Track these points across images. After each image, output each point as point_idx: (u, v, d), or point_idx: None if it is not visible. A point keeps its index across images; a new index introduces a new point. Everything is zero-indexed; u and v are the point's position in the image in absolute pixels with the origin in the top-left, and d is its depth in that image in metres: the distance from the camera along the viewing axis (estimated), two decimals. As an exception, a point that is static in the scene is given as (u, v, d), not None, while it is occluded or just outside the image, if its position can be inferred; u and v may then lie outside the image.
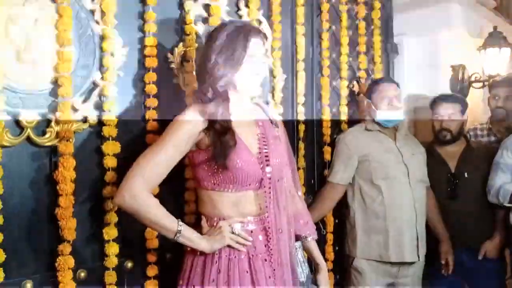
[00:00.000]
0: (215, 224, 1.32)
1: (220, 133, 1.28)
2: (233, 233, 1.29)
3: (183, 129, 1.28)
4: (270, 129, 1.43)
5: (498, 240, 2.15)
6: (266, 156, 1.34)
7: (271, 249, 1.31)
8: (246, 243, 1.29)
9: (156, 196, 1.46)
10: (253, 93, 1.39)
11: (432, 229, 2.16)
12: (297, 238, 1.50)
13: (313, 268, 1.55)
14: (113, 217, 1.44)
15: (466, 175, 2.20)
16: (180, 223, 1.27)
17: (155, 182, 1.29)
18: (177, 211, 1.57)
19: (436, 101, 2.32)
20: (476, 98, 3.14)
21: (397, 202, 2.01)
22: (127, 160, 1.43)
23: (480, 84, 3.00)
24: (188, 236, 1.27)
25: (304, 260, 1.51)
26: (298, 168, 2.07)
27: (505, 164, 2.10)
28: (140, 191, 1.23)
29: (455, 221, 2.17)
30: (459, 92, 2.83)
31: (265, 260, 1.31)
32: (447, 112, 2.25)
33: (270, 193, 1.33)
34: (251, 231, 1.32)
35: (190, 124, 1.29)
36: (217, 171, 1.29)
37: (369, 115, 2.17)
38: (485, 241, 2.15)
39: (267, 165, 1.33)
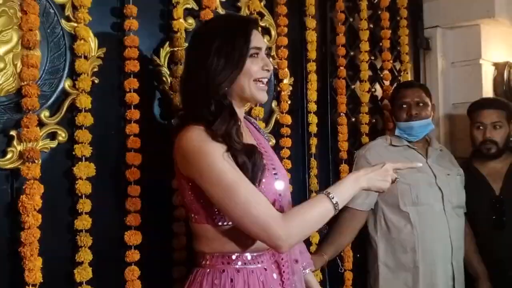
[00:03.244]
0: (220, 260, 1.36)
1: (248, 155, 1.30)
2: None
3: (217, 151, 1.27)
4: (265, 141, 1.50)
5: None
6: (273, 168, 1.41)
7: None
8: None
9: (138, 228, 1.52)
10: (261, 98, 1.41)
11: (466, 263, 2.21)
12: None
13: None
14: (87, 255, 1.46)
15: None
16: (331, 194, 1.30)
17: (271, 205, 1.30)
18: (164, 246, 1.64)
19: (476, 107, 2.37)
20: (525, 102, 3.17)
21: (429, 233, 2.06)
22: (103, 185, 1.49)
23: (530, 86, 3.04)
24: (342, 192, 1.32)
25: None
26: (311, 191, 2.14)
27: None
28: (281, 221, 1.24)
29: (503, 256, 2.21)
30: (504, 95, 2.86)
31: None
32: (491, 120, 2.30)
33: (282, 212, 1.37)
34: (265, 269, 1.37)
35: (217, 144, 1.28)
36: None
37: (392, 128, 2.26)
38: None
39: (276, 179, 1.39)
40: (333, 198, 1.29)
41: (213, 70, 1.31)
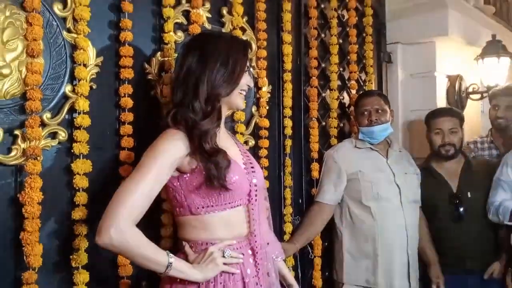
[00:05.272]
0: (202, 249, 1.37)
1: (210, 155, 1.31)
2: (224, 256, 1.35)
3: (165, 155, 1.29)
4: (240, 144, 1.54)
5: (505, 261, 2.28)
6: (251, 166, 1.44)
7: (259, 270, 1.40)
8: (239, 261, 1.36)
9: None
10: (242, 106, 1.48)
11: (420, 251, 2.26)
12: None
13: None
14: (82, 243, 1.47)
15: (469, 194, 2.31)
16: (170, 254, 1.29)
17: (139, 214, 1.28)
18: (153, 236, 1.62)
19: (434, 115, 2.43)
20: (474, 110, 3.25)
21: (387, 225, 2.11)
22: (99, 180, 1.50)
23: (478, 96, 3.11)
24: (180, 268, 1.30)
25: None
26: (285, 187, 2.16)
27: (505, 181, 2.23)
28: (127, 224, 1.23)
29: (460, 245, 2.27)
30: (456, 104, 2.95)
31: (256, 284, 1.39)
32: (448, 126, 2.37)
33: (256, 203, 1.41)
34: (243, 254, 1.39)
35: (173, 149, 1.30)
36: (211, 192, 1.34)
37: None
38: (491, 265, 2.26)
39: (253, 175, 1.43)
40: (171, 257, 1.28)
41: (217, 79, 1.35)
